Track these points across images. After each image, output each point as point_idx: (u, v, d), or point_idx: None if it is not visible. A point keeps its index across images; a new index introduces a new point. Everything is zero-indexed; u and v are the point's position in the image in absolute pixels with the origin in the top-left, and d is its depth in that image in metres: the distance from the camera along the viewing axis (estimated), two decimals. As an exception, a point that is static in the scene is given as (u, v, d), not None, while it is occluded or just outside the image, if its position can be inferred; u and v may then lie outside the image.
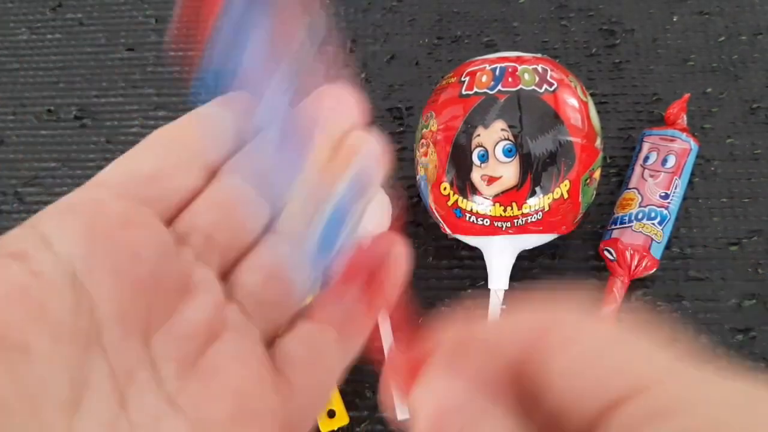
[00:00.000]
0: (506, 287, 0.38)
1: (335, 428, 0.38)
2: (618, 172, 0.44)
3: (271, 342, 0.19)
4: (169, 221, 0.19)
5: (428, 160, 0.38)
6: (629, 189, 0.41)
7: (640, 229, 0.39)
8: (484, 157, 0.36)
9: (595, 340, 0.13)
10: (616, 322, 0.14)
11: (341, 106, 0.21)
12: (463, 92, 0.37)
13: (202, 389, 0.17)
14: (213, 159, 0.20)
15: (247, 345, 0.18)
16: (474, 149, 0.36)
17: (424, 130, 0.38)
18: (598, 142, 0.38)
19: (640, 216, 0.40)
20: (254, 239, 0.20)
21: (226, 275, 0.19)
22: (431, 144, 0.37)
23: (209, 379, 0.17)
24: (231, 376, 0.17)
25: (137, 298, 0.17)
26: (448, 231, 0.39)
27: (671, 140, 0.41)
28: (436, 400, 0.14)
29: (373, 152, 0.21)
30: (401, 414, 0.39)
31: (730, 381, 0.13)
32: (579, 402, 0.13)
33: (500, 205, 0.36)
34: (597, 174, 0.38)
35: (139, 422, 0.16)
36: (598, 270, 0.42)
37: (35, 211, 0.49)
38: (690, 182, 0.42)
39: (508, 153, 0.35)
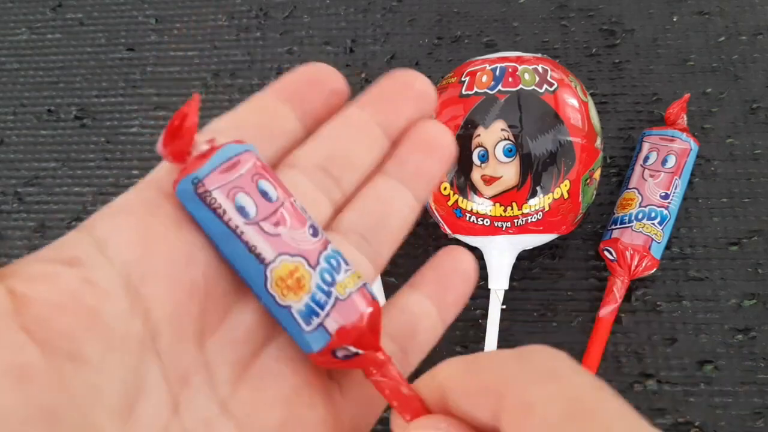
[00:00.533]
0: (506, 287, 0.38)
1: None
2: (618, 172, 0.44)
3: None
4: None
5: (428, 160, 0.38)
6: (629, 189, 0.41)
7: (640, 229, 0.39)
8: (484, 157, 0.36)
9: (549, 415, 0.13)
10: (574, 373, 0.13)
11: (410, 93, 0.20)
12: (464, 92, 0.37)
13: (254, 395, 0.17)
14: (270, 152, 0.19)
15: (300, 349, 0.18)
16: (474, 149, 0.36)
17: (424, 130, 0.38)
18: (598, 142, 0.38)
19: (640, 216, 0.40)
20: None
21: None
22: (431, 144, 0.37)
23: (261, 385, 0.17)
24: (283, 382, 0.17)
25: (192, 301, 0.16)
26: (448, 231, 0.39)
27: (671, 140, 0.41)
28: None
29: (442, 145, 0.20)
30: None
31: None
32: None
33: (500, 205, 0.36)
34: (597, 174, 0.38)
35: (191, 428, 0.16)
36: (598, 270, 0.42)
37: (35, 211, 0.49)
38: (690, 182, 0.42)
39: (508, 153, 0.35)
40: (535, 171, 0.35)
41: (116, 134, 0.48)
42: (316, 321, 0.16)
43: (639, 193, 0.40)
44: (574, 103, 0.36)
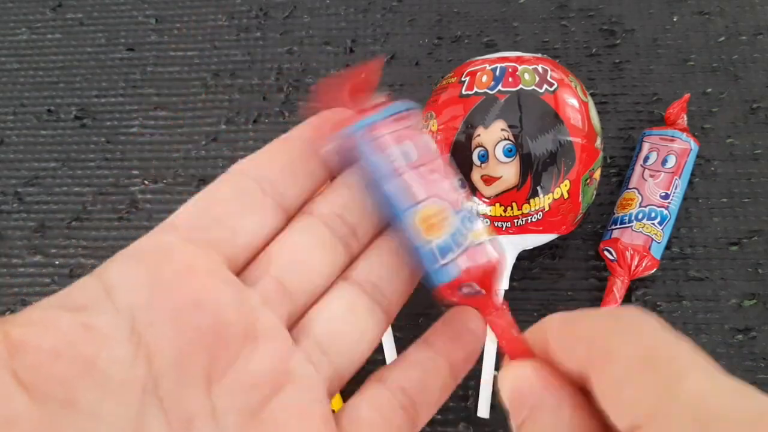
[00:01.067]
0: (506, 287, 0.38)
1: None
2: (618, 172, 0.44)
3: (335, 392, 0.19)
4: (240, 263, 0.18)
5: (428, 160, 0.38)
6: (629, 189, 0.41)
7: (640, 229, 0.39)
8: (484, 158, 0.36)
9: (628, 361, 0.14)
10: (657, 329, 0.15)
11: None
12: (464, 92, 0.37)
13: None
14: (291, 197, 0.19)
15: (310, 399, 0.18)
16: (474, 149, 0.36)
17: (424, 130, 0.38)
18: (598, 142, 0.38)
19: (640, 216, 0.40)
20: (327, 285, 0.20)
21: (295, 321, 0.19)
22: (431, 144, 0.37)
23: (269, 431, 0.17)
24: (291, 430, 0.17)
25: (197, 347, 0.16)
26: (448, 231, 0.39)
27: (671, 140, 0.41)
28: (514, 382, 0.16)
29: None
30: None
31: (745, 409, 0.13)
32: (614, 420, 0.14)
33: (500, 205, 0.36)
34: (597, 174, 0.38)
35: None
36: (598, 270, 0.42)
37: (35, 211, 0.50)
38: (690, 182, 0.42)
39: (508, 153, 0.35)
40: (535, 171, 0.35)
41: (116, 134, 0.48)
42: (450, 256, 0.18)
43: (639, 193, 0.40)
44: (574, 103, 0.36)
